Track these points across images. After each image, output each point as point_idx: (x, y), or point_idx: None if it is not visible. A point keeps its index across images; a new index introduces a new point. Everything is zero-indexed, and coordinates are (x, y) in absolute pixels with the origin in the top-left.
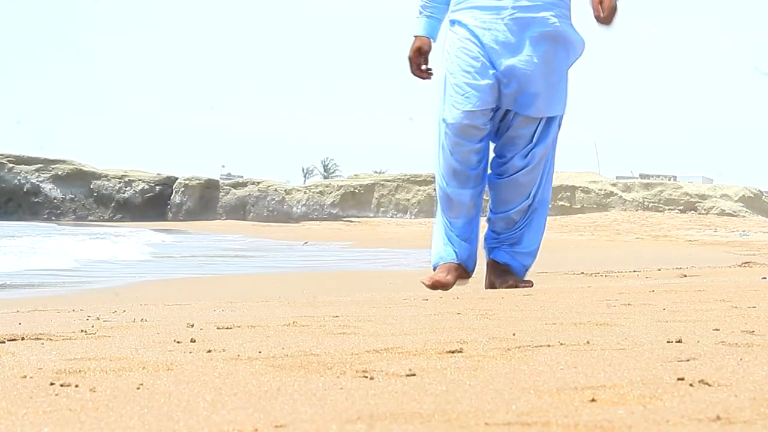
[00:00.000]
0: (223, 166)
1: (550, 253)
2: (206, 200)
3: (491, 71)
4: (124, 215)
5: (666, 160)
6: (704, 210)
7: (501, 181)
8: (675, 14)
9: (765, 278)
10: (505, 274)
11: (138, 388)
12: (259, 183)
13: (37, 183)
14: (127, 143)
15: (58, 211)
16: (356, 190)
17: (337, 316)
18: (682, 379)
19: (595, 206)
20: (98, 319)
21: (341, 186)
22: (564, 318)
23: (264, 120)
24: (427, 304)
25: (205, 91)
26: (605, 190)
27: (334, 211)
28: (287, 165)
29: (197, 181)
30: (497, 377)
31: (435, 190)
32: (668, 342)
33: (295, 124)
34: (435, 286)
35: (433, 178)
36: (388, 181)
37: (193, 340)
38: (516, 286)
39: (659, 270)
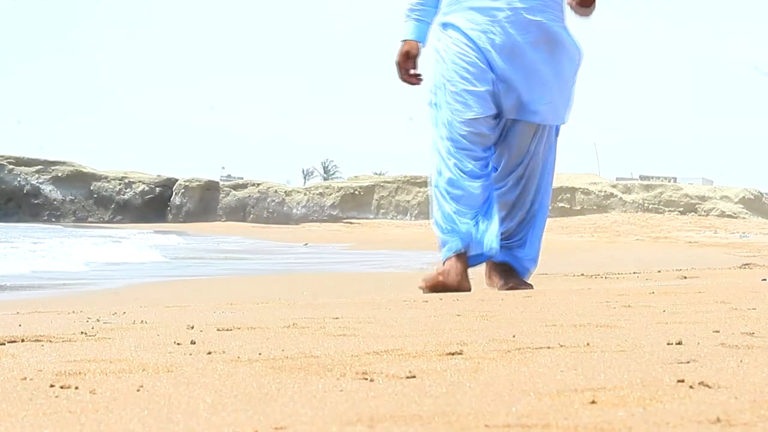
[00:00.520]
0: (223, 168)
1: (550, 254)
2: (206, 202)
3: (490, 76)
4: (124, 217)
5: (666, 161)
6: (704, 211)
7: (500, 191)
8: (675, 15)
9: (765, 280)
10: (507, 275)
11: (138, 390)
12: (259, 184)
13: (37, 184)
14: (127, 144)
15: (58, 213)
16: (356, 192)
17: (337, 318)
18: (682, 381)
19: (595, 208)
20: (98, 320)
21: (341, 187)
22: (564, 320)
23: (264, 121)
24: (427, 305)
25: (205, 92)
26: (605, 191)
27: (334, 213)
28: (287, 166)
29: (197, 183)
30: (497, 379)
31: (433, 189)
32: (668, 344)
33: (295, 126)
34: (435, 288)
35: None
36: (388, 182)
37: (193, 342)
38: (517, 288)
39: (659, 272)
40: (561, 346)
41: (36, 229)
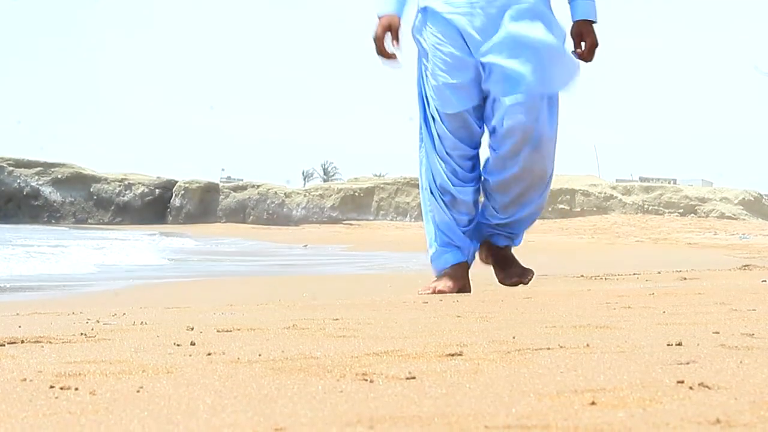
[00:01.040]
0: (222, 169)
1: (551, 255)
2: (206, 203)
3: (470, 60)
4: (123, 218)
5: (666, 163)
6: (704, 213)
7: (493, 180)
8: (675, 16)
9: (765, 281)
10: (509, 265)
11: (138, 391)
12: (259, 186)
13: (37, 186)
14: (127, 145)
15: (58, 215)
16: (356, 194)
17: (336, 319)
18: (682, 382)
19: (595, 209)
20: (98, 322)
21: (341, 189)
22: (564, 321)
23: (264, 123)
24: (427, 307)
25: (205, 93)
26: (605, 193)
27: (334, 215)
28: (287, 168)
29: (197, 185)
30: (497, 380)
31: (425, 192)
32: (668, 345)
33: (295, 127)
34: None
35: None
36: (388, 184)
37: (192, 343)
38: (521, 282)
39: (659, 273)
40: (561, 347)
41: (39, 230)
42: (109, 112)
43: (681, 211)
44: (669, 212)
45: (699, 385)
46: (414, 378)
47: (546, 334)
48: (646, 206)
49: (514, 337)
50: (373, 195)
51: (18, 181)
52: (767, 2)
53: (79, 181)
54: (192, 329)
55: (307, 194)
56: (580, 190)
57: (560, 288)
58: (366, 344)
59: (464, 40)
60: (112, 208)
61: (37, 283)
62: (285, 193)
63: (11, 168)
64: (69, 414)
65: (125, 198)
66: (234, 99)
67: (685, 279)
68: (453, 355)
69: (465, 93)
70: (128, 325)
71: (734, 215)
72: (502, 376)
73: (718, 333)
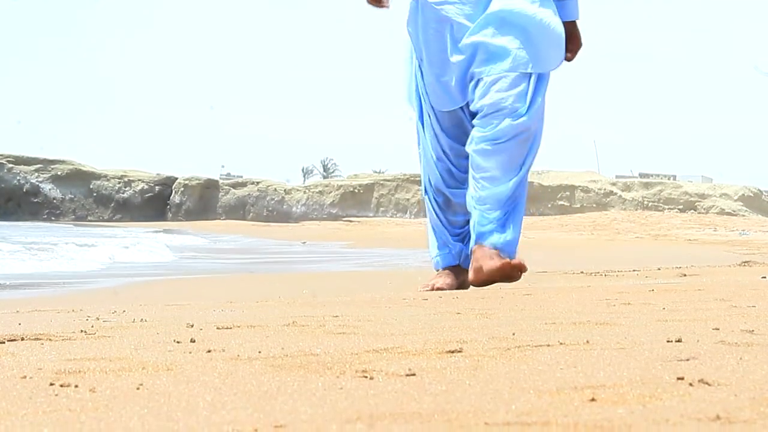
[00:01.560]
0: (222, 166)
1: (550, 252)
2: (206, 200)
3: (459, 57)
4: (123, 215)
5: (665, 159)
6: (704, 209)
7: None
8: (675, 14)
9: (765, 277)
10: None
11: (138, 389)
12: (258, 183)
13: (37, 183)
14: (127, 143)
15: (58, 212)
16: (356, 190)
17: (336, 316)
18: (682, 378)
19: (594, 205)
20: (98, 319)
21: (341, 186)
22: (563, 317)
23: (263, 120)
24: (427, 303)
25: (205, 91)
26: (605, 189)
27: (334, 211)
28: (287, 165)
29: (197, 181)
30: (497, 377)
31: (424, 192)
32: (668, 341)
33: (294, 124)
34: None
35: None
36: (388, 180)
37: (192, 340)
38: (511, 274)
39: (659, 269)
40: (561, 343)
41: (41, 228)
42: (109, 111)
43: (681, 207)
44: (669, 208)
45: (699, 381)
46: (414, 375)
47: (546, 330)
48: (645, 202)
49: (513, 334)
50: (372, 191)
51: (18, 178)
52: (767, 2)
53: (78, 177)
54: (192, 326)
55: (307, 191)
56: (579, 186)
57: (560, 284)
58: (366, 341)
59: (453, 31)
60: (112, 204)
61: (27, 280)
62: (285, 190)
63: (11, 165)
64: (69, 411)
65: (125, 195)
66: (234, 97)
67: (684, 275)
68: (453, 351)
69: (458, 89)
70: (128, 322)
71: (734, 211)
72: (502, 372)
73: (718, 329)
